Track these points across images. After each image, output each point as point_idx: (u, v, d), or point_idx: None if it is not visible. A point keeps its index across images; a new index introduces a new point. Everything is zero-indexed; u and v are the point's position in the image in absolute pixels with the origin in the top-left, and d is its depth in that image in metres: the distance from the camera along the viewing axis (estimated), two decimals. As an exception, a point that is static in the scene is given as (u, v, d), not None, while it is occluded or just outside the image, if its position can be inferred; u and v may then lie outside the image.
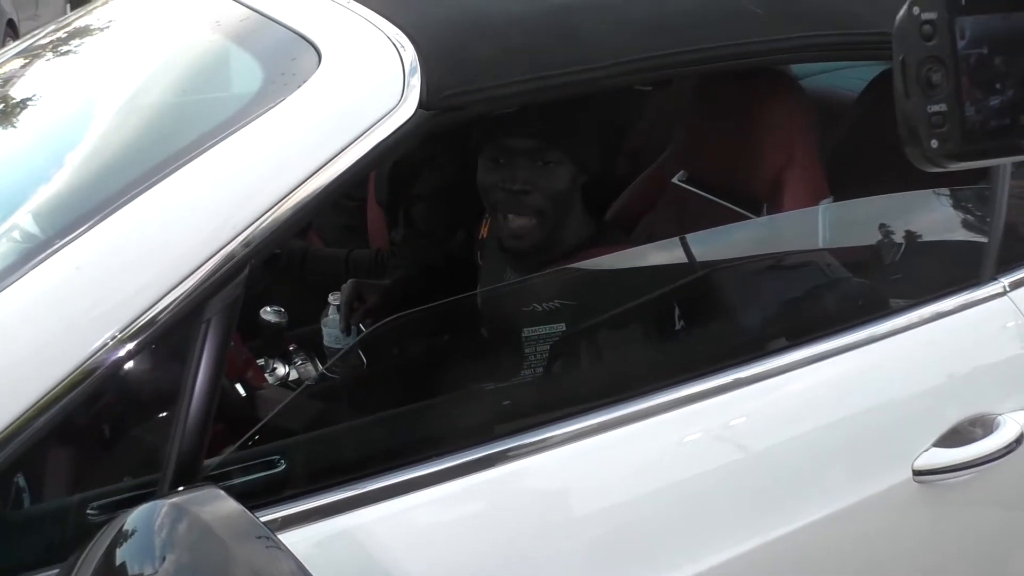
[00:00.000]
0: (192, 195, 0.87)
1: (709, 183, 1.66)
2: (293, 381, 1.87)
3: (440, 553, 0.94)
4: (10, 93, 1.29)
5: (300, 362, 1.92)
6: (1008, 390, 1.25)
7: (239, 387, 1.53)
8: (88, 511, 0.85)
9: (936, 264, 1.38)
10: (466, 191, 1.85)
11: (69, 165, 1.07)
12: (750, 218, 1.54)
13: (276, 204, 0.86)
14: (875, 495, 1.13)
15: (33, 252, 0.86)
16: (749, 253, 1.34)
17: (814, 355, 1.16)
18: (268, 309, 1.80)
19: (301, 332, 1.96)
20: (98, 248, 0.84)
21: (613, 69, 1.02)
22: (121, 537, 0.68)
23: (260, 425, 0.93)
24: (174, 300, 0.82)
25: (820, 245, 1.35)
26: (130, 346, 0.82)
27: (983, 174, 1.63)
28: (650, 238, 1.72)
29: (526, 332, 1.35)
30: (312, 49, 0.98)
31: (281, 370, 1.88)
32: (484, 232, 1.69)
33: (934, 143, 0.59)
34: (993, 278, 1.30)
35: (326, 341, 1.88)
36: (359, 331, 1.76)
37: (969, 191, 1.49)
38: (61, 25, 1.50)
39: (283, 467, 0.92)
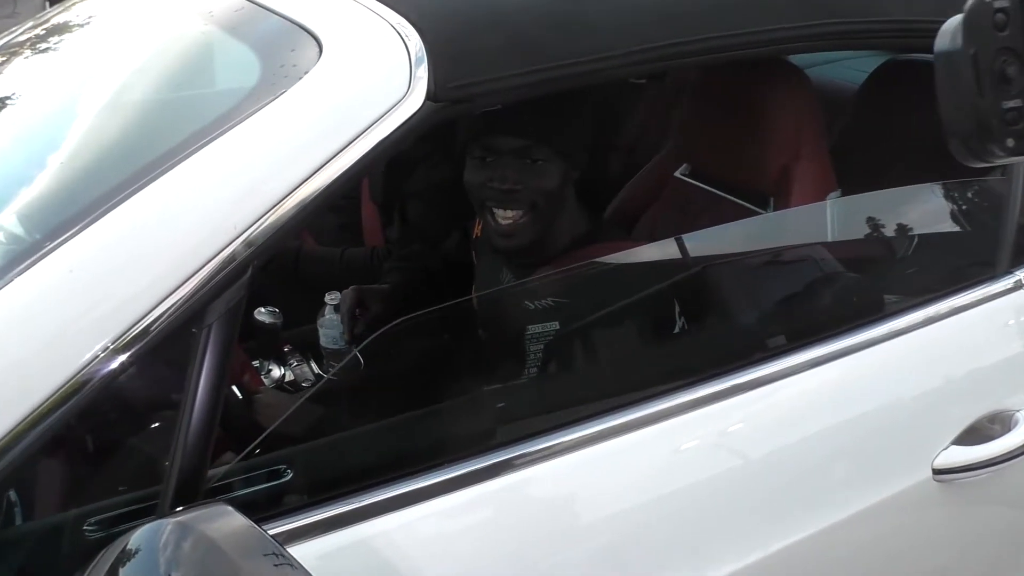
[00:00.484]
0: (190, 194, 0.82)
1: (713, 177, 1.63)
2: (289, 383, 1.83)
3: (448, 565, 0.90)
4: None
5: (296, 364, 1.87)
6: (1025, 385, 1.23)
7: (236, 391, 1.50)
8: (85, 527, 0.80)
9: (950, 258, 1.35)
10: (462, 188, 1.81)
11: (56, 165, 1.02)
12: (756, 212, 1.51)
13: (279, 202, 0.82)
14: (895, 495, 1.11)
15: (21, 256, 0.82)
16: (759, 250, 1.31)
17: (828, 354, 1.13)
18: (262, 310, 1.76)
19: (296, 333, 1.92)
20: (90, 251, 0.79)
21: (626, 59, 0.98)
22: (125, 557, 0.64)
23: (266, 434, 0.89)
24: (173, 305, 0.78)
25: (830, 241, 1.32)
26: (126, 355, 0.77)
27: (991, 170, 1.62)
28: (652, 234, 1.69)
29: (529, 331, 1.31)
30: (312, 40, 0.93)
31: (276, 372, 1.83)
32: (478, 231, 1.66)
33: (1010, 142, 0.56)
34: (1008, 271, 1.27)
35: (322, 342, 1.84)
36: (357, 342, 1.72)
37: (982, 182, 1.47)
38: (41, 21, 1.45)
39: (288, 477, 0.88)
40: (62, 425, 0.74)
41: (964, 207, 1.42)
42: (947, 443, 1.15)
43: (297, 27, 0.97)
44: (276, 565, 0.65)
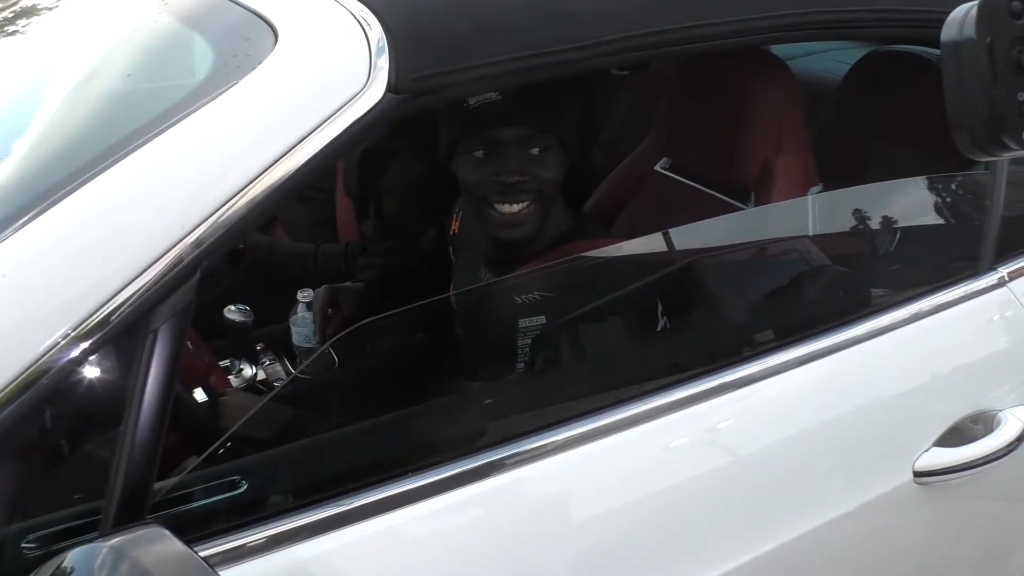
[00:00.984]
0: (132, 192, 0.78)
1: (693, 171, 1.60)
2: (261, 382, 1.79)
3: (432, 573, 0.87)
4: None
5: (268, 362, 1.83)
6: (1008, 384, 1.21)
7: (201, 393, 1.45)
8: (24, 545, 0.76)
9: (932, 254, 1.33)
10: (439, 183, 1.77)
11: (2, 155, 0.97)
12: (737, 207, 1.48)
13: (229, 200, 0.77)
14: (876, 499, 1.08)
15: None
16: (739, 246, 1.28)
17: (807, 354, 1.10)
18: (232, 308, 1.71)
19: (268, 331, 1.88)
20: (22, 254, 0.74)
21: (603, 48, 0.94)
22: (56, 581, 0.60)
23: (219, 444, 0.85)
24: (116, 309, 0.74)
25: (811, 237, 1.29)
26: (67, 360, 0.73)
27: (975, 162, 1.59)
28: (632, 230, 1.65)
29: (517, 326, 1.28)
30: (268, 28, 0.89)
31: (248, 371, 1.79)
32: (455, 227, 1.62)
33: None
34: (991, 268, 1.25)
35: (295, 340, 1.80)
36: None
37: (964, 177, 1.44)
38: (10, 3, 1.39)
39: (244, 488, 0.84)
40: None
41: (946, 202, 1.40)
42: (929, 444, 1.12)
43: (253, 15, 0.92)
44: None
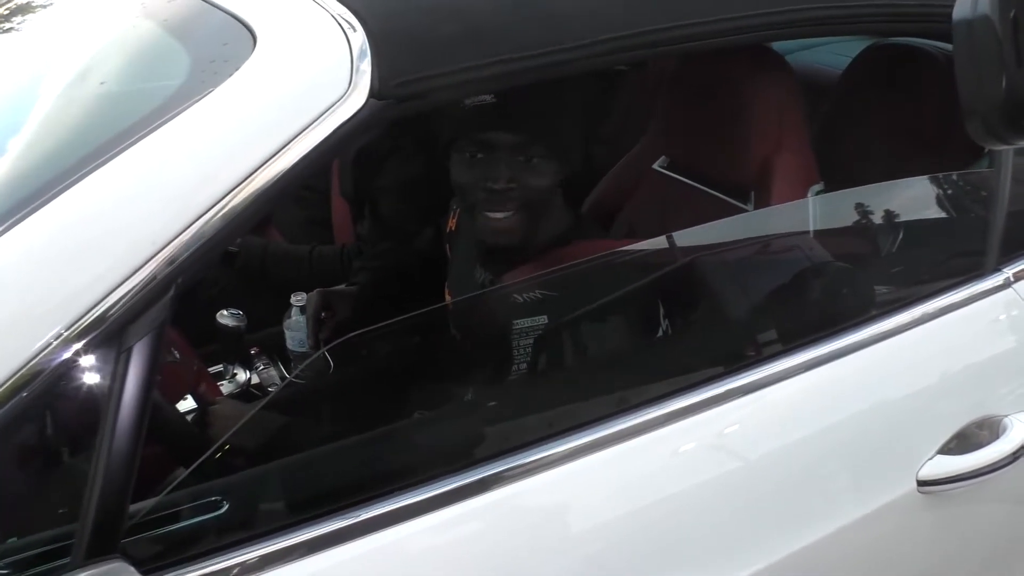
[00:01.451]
0: (101, 207, 0.75)
1: (692, 169, 1.56)
2: (255, 387, 1.77)
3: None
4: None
5: (262, 367, 1.81)
6: (1015, 388, 1.18)
7: (191, 402, 1.43)
8: (-4, 571, 0.74)
9: (935, 255, 1.29)
10: (434, 183, 1.74)
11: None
12: (736, 206, 1.45)
13: (205, 213, 0.75)
14: (879, 509, 1.05)
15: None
16: (741, 248, 1.24)
17: (809, 359, 1.07)
18: (225, 312, 1.69)
19: (263, 335, 1.85)
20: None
21: (590, 50, 0.91)
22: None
23: (197, 464, 0.82)
24: (87, 328, 0.71)
25: (813, 239, 1.26)
26: (38, 380, 0.70)
27: (979, 155, 1.56)
28: (631, 229, 1.63)
29: (515, 326, 1.25)
30: (246, 32, 0.86)
31: (242, 376, 1.77)
32: (452, 225, 1.59)
33: None
34: (996, 268, 1.22)
35: (289, 345, 1.78)
36: (326, 344, 1.66)
37: (968, 175, 1.41)
38: (4, 1, 1.36)
39: (225, 508, 0.82)
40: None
41: (950, 201, 1.37)
42: (933, 452, 1.09)
43: (231, 18, 0.89)
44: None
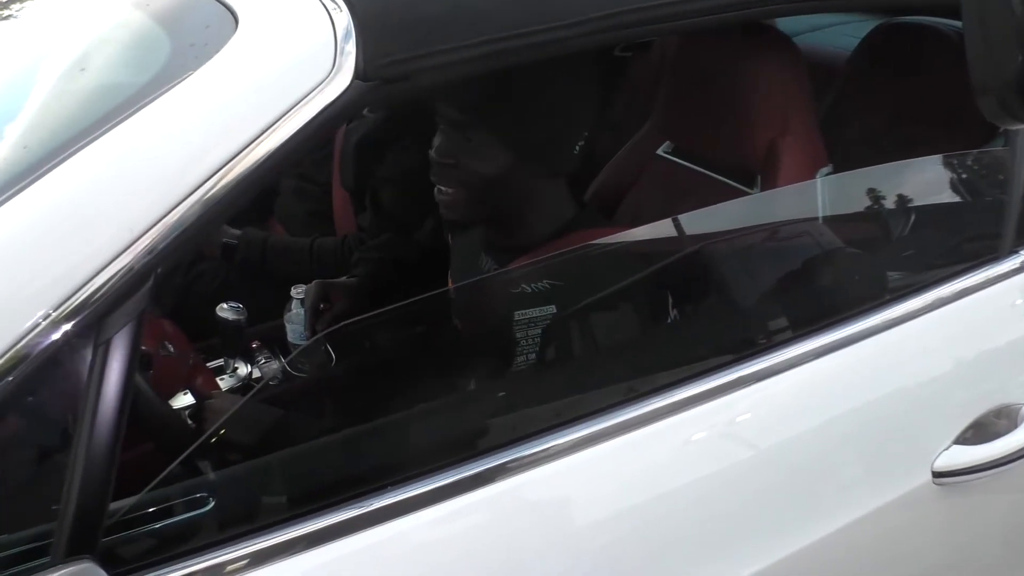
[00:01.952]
0: (76, 195, 0.72)
1: (697, 155, 1.53)
2: (256, 380, 1.75)
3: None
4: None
5: (263, 360, 1.79)
6: (1033, 375, 1.14)
7: (189, 397, 1.41)
8: (-25, 571, 0.72)
9: (949, 239, 1.26)
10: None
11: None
12: (742, 190, 1.41)
13: (184, 200, 0.72)
14: (892, 501, 1.02)
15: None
16: (749, 233, 1.21)
17: (819, 347, 1.03)
18: (225, 306, 1.67)
19: (263, 328, 1.84)
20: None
21: (581, 28, 0.87)
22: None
23: (178, 461, 0.80)
24: (63, 315, 0.69)
25: (822, 222, 1.22)
26: (16, 372, 0.68)
27: (992, 136, 1.52)
28: (635, 216, 1.59)
29: (516, 317, 1.22)
30: (228, 13, 0.83)
31: (243, 370, 1.76)
32: (454, 214, 1.56)
33: None
34: (1013, 251, 1.18)
35: (290, 338, 1.76)
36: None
37: (982, 155, 1.37)
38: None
39: (212, 504, 0.79)
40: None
41: (964, 182, 1.32)
42: (948, 442, 1.05)
43: (214, 1, 0.86)
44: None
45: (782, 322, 1.11)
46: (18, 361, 0.67)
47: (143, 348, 1.16)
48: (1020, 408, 1.09)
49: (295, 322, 1.73)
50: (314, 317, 1.64)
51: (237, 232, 1.94)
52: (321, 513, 0.80)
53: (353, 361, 1.17)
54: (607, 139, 1.85)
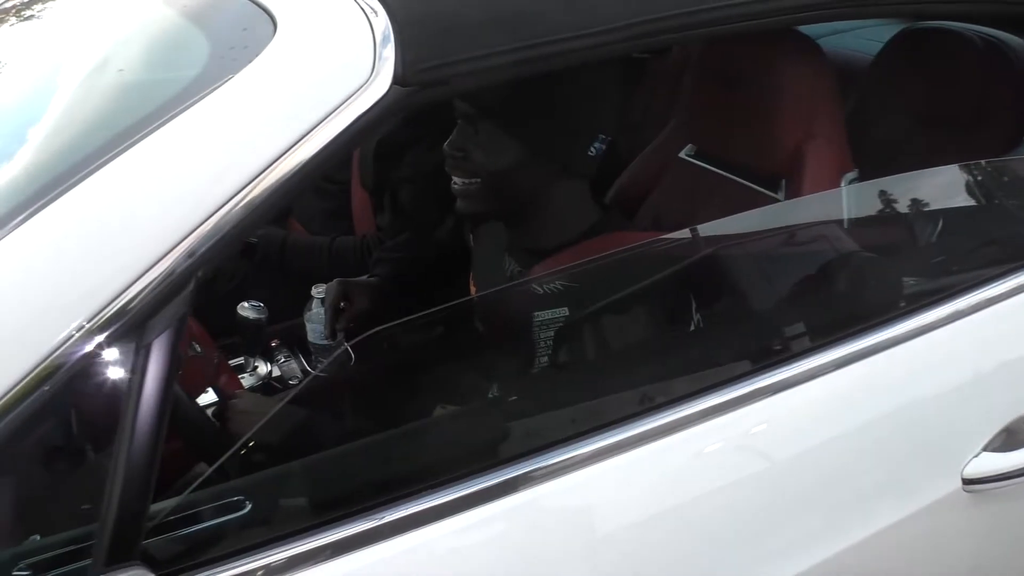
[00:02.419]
0: (118, 198, 0.73)
1: (720, 158, 1.52)
2: (276, 379, 1.76)
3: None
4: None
5: (283, 360, 1.80)
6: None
7: (211, 395, 1.41)
8: (16, 572, 0.72)
9: (978, 246, 1.25)
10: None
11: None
12: (766, 195, 1.40)
13: (225, 204, 0.72)
14: (921, 510, 1.01)
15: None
16: (772, 242, 1.20)
17: (847, 355, 1.03)
18: (246, 305, 1.67)
19: (283, 327, 1.84)
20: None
21: (618, 34, 0.87)
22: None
23: (219, 463, 0.80)
24: (106, 322, 0.69)
25: (848, 230, 1.22)
26: (60, 374, 0.68)
27: (1016, 142, 1.51)
28: (656, 221, 1.59)
29: (537, 317, 1.22)
30: (267, 17, 0.83)
31: (263, 368, 1.77)
32: (477, 215, 1.56)
33: None
34: (1043, 258, 1.17)
35: (310, 337, 1.77)
36: (345, 335, 1.64)
37: (1009, 160, 1.36)
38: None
39: (248, 508, 0.79)
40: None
41: (992, 188, 1.32)
42: (978, 449, 1.05)
43: (250, 3, 0.86)
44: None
45: (811, 330, 1.10)
46: (56, 368, 0.67)
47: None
48: (1050, 415, 1.09)
49: (315, 321, 1.73)
50: (334, 316, 1.64)
51: (257, 230, 1.94)
52: (350, 520, 0.80)
53: (381, 365, 1.17)
54: (626, 141, 1.86)
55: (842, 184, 1.36)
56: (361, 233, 2.02)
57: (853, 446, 1.02)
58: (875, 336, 1.05)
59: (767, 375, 0.99)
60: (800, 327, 1.12)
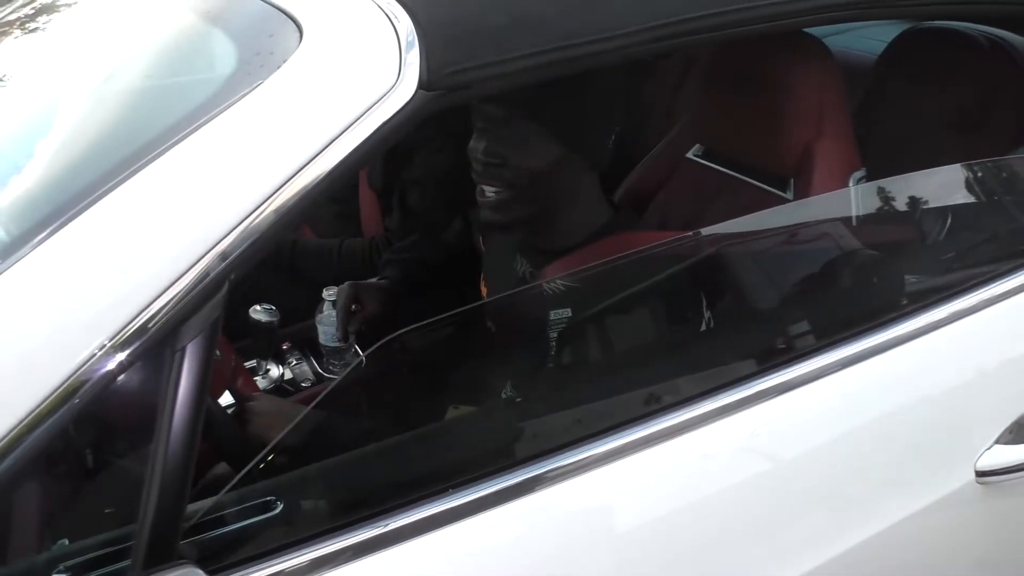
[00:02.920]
0: (151, 204, 0.74)
1: (728, 157, 1.54)
2: (288, 382, 1.76)
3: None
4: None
5: (295, 362, 1.81)
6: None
7: (229, 396, 1.42)
8: (55, 574, 0.73)
9: (985, 242, 1.27)
10: (463, 175, 1.72)
11: (18, 161, 0.94)
12: (775, 194, 1.42)
13: (257, 208, 0.73)
14: (936, 502, 1.03)
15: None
16: (779, 237, 1.22)
17: (862, 350, 1.04)
18: (258, 307, 1.68)
19: (294, 330, 1.85)
20: (37, 273, 0.71)
21: (637, 37, 0.89)
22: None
23: (255, 462, 0.81)
24: (141, 328, 0.70)
25: (860, 228, 1.23)
26: (92, 382, 0.69)
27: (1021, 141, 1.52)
28: (664, 220, 1.60)
29: (550, 317, 1.22)
30: (292, 24, 0.84)
31: (275, 371, 1.77)
32: (487, 216, 1.57)
33: None
34: (1053, 253, 1.19)
35: (322, 339, 1.77)
36: (357, 338, 1.65)
37: (1013, 159, 1.38)
38: (26, 1, 1.36)
39: (279, 509, 0.81)
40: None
41: (998, 186, 1.33)
42: (991, 442, 1.07)
43: (275, 9, 0.88)
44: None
45: (824, 328, 1.12)
46: (98, 368, 0.68)
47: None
48: (1060, 408, 1.10)
49: (327, 324, 1.74)
50: (346, 319, 1.65)
51: (288, 234, 1.95)
52: (369, 522, 0.81)
53: (401, 367, 1.18)
54: (631, 137, 1.87)
55: (850, 183, 1.38)
56: (369, 235, 2.03)
57: (867, 441, 1.04)
58: (887, 333, 1.07)
59: (783, 372, 1.00)
60: (813, 325, 1.13)
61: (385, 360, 1.06)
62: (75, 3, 1.30)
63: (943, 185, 1.30)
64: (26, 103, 1.09)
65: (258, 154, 0.76)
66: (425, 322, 1.00)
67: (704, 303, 1.14)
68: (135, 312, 0.69)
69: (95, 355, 0.68)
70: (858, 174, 1.41)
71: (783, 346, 1.07)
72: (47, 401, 0.68)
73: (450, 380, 1.14)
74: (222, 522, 0.78)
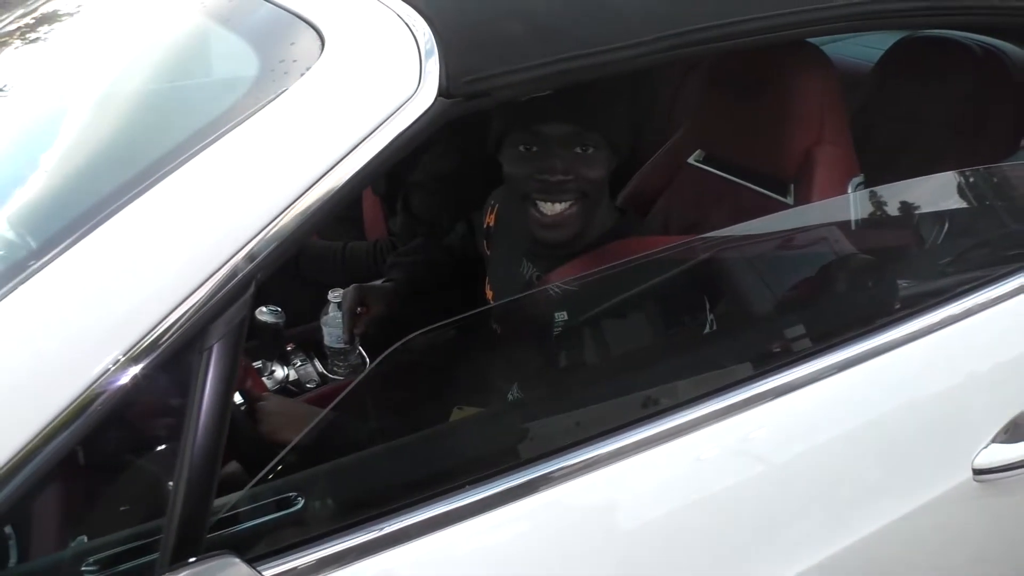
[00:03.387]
0: (182, 207, 0.76)
1: (729, 163, 1.56)
2: (293, 383, 1.78)
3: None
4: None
5: (300, 363, 1.82)
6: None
7: (237, 397, 1.44)
8: (84, 568, 0.75)
9: (981, 246, 1.30)
10: (467, 178, 1.74)
11: (43, 168, 0.95)
12: (775, 199, 1.45)
13: (283, 211, 0.76)
14: (933, 500, 1.05)
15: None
16: (786, 246, 1.24)
17: (861, 352, 1.07)
18: (264, 309, 1.70)
19: (299, 331, 1.86)
20: (72, 274, 0.73)
21: (650, 47, 0.91)
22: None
23: (279, 459, 0.83)
24: (171, 327, 0.72)
25: (859, 232, 1.26)
26: (121, 382, 0.71)
27: (1014, 147, 1.56)
28: (665, 225, 1.63)
29: (556, 319, 1.25)
30: (314, 32, 0.86)
31: (280, 372, 1.78)
32: (490, 221, 1.59)
33: None
34: (1047, 257, 1.22)
35: (327, 341, 1.78)
36: (362, 339, 1.66)
37: (1008, 165, 1.41)
38: (30, 9, 1.37)
39: (300, 505, 0.82)
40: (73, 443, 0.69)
41: (993, 192, 1.36)
42: (988, 440, 1.09)
43: (297, 18, 0.90)
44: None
45: (821, 331, 1.14)
46: (128, 367, 0.70)
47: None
48: (1055, 407, 1.13)
49: (332, 325, 1.76)
50: (351, 321, 1.67)
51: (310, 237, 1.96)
52: (380, 520, 0.83)
53: (411, 369, 1.20)
54: (637, 143, 1.89)
55: (849, 189, 1.41)
56: (373, 238, 2.05)
57: (866, 441, 1.06)
58: (886, 335, 1.09)
59: (784, 374, 1.03)
60: (815, 328, 1.16)
61: (398, 362, 1.08)
62: (78, 11, 1.31)
63: (941, 191, 1.33)
64: (53, 110, 1.11)
65: (284, 158, 0.79)
66: (439, 324, 1.02)
67: (708, 307, 1.16)
68: (166, 312, 0.71)
69: (126, 355, 0.70)
70: (857, 180, 1.44)
71: (787, 349, 1.10)
72: (77, 400, 0.69)
73: (459, 382, 1.16)
74: (245, 517, 0.80)
